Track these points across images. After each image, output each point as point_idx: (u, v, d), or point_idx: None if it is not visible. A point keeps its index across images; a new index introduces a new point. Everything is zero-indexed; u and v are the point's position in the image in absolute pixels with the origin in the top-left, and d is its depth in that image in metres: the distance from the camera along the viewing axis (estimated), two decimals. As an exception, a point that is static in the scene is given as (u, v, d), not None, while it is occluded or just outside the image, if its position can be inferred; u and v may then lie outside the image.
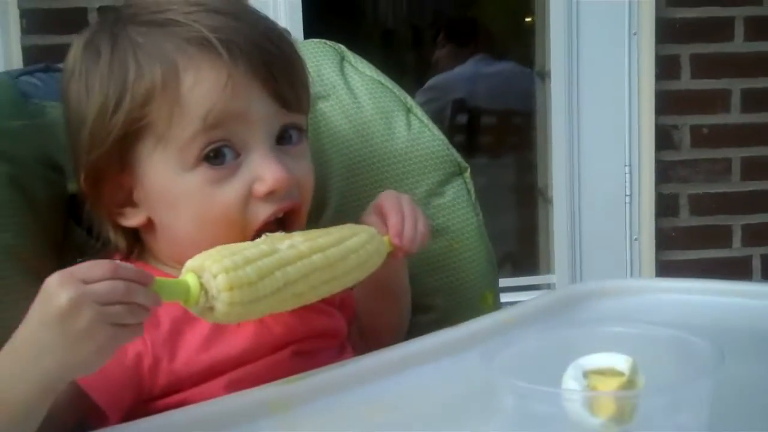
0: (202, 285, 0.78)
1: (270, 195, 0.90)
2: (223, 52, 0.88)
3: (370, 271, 0.94)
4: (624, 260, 2.61)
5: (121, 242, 0.95)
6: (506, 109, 3.79)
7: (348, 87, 1.18)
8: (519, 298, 1.13)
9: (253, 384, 0.88)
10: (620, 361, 0.75)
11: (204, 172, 0.89)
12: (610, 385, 0.74)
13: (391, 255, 0.98)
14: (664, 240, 2.63)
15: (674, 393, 0.74)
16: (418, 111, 1.19)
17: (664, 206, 2.62)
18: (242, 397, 0.83)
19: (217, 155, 0.89)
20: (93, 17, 2.39)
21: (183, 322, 0.90)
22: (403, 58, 4.39)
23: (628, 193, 2.59)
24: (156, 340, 0.88)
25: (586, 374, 0.75)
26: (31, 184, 0.96)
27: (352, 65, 1.20)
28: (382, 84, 1.19)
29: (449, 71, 3.85)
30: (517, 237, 3.42)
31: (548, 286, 2.64)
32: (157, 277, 0.76)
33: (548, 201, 2.83)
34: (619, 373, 0.75)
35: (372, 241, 0.93)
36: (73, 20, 2.37)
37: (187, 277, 0.79)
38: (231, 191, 0.89)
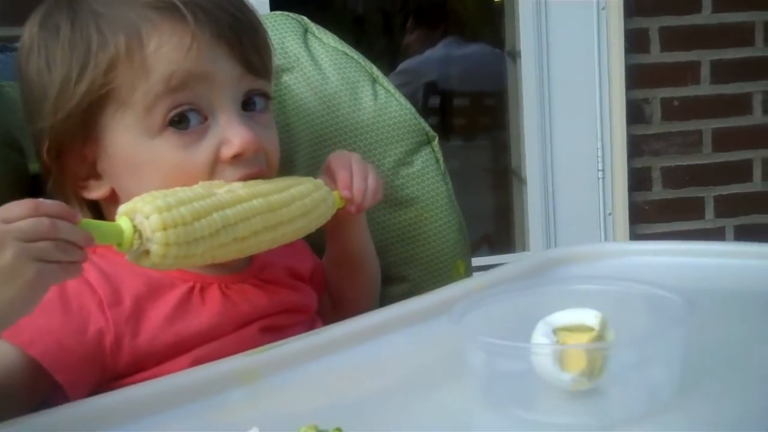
0: (135, 227, 0.77)
1: (237, 158, 0.90)
2: (188, 14, 0.88)
3: (319, 222, 0.94)
4: (598, 235, 2.62)
5: (87, 216, 0.93)
6: (478, 90, 3.79)
7: (312, 59, 1.17)
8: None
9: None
10: (589, 317, 0.75)
11: (169, 137, 0.88)
12: (580, 340, 0.74)
13: (344, 210, 0.98)
14: (638, 213, 2.64)
15: (644, 345, 0.74)
16: (384, 81, 1.18)
17: (637, 180, 2.63)
18: (211, 368, 0.82)
19: (182, 120, 0.89)
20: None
21: (146, 299, 0.89)
22: (374, 44, 4.37)
23: (600, 168, 2.59)
24: (118, 317, 0.87)
25: (556, 331, 0.75)
26: (-8, 163, 0.94)
27: (315, 36, 1.19)
28: (347, 54, 1.18)
29: (420, 55, 3.85)
30: (493, 217, 3.43)
31: (524, 264, 2.64)
32: (86, 219, 0.75)
33: (522, 181, 2.83)
34: (589, 329, 0.75)
35: (318, 190, 0.93)
36: (31, 11, 2.34)
37: (120, 220, 0.78)
38: (198, 155, 0.89)
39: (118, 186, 0.92)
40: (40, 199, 0.72)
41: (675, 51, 2.60)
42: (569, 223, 2.61)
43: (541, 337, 0.74)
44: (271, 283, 0.98)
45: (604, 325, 0.75)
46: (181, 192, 0.82)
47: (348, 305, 1.06)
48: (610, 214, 2.61)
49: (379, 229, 1.14)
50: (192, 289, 0.92)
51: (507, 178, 3.21)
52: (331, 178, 0.99)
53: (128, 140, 0.89)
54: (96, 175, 0.93)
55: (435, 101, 3.71)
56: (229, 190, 0.85)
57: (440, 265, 1.16)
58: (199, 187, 0.84)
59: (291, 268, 1.03)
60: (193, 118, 0.89)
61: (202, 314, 0.91)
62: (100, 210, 0.95)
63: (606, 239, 2.61)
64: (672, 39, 2.59)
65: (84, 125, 0.89)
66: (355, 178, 0.99)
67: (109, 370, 0.87)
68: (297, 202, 0.89)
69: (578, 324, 0.75)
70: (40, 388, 0.83)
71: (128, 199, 0.89)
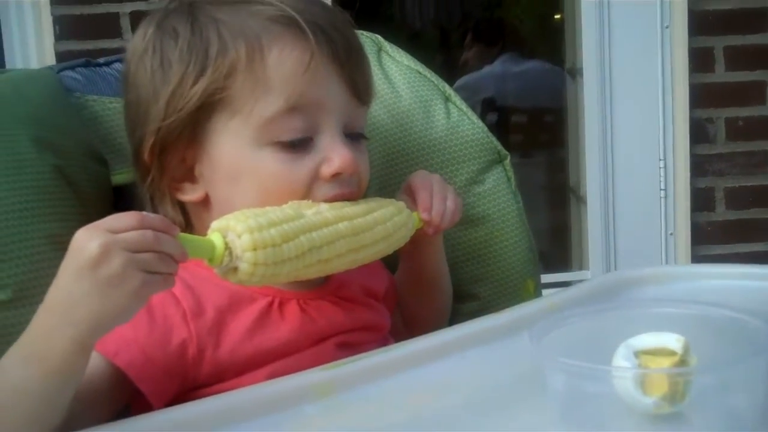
0: (226, 244, 0.79)
1: (335, 177, 0.92)
2: (309, 32, 0.90)
3: (399, 244, 0.95)
4: (659, 255, 2.58)
5: (178, 218, 0.95)
6: (536, 107, 3.78)
7: (386, 77, 1.18)
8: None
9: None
10: (672, 341, 0.75)
11: (275, 150, 0.91)
12: (662, 364, 0.73)
13: (422, 231, 0.99)
14: (700, 234, 2.60)
15: (728, 372, 0.73)
16: (456, 99, 1.18)
17: (700, 200, 2.59)
18: (287, 382, 0.83)
19: (291, 136, 0.91)
20: (125, 22, 2.41)
21: (227, 311, 0.90)
22: (431, 60, 4.38)
23: (663, 187, 2.56)
24: (201, 328, 0.89)
25: (637, 354, 0.74)
26: (76, 174, 0.96)
27: (389, 55, 1.20)
28: (420, 73, 1.19)
29: (478, 71, 3.85)
30: (549, 235, 3.40)
31: (585, 283, 2.61)
32: (182, 234, 0.77)
33: (580, 199, 2.81)
34: (671, 353, 0.74)
35: (400, 213, 0.94)
36: (104, 26, 2.40)
37: (213, 236, 0.80)
38: (299, 171, 0.91)
39: (213, 192, 0.94)
40: (144, 213, 0.75)
41: (740, 70, 2.56)
42: (629, 243, 2.58)
43: (622, 360, 0.74)
44: (348, 300, 0.99)
45: (686, 349, 0.74)
46: (272, 212, 0.83)
47: (420, 323, 1.07)
48: (671, 234, 2.57)
49: (450, 247, 1.14)
50: (271, 303, 0.93)
51: (564, 195, 3.19)
52: (411, 198, 1.00)
53: (233, 147, 0.91)
54: (192, 179, 0.94)
55: (492, 118, 3.70)
56: (317, 212, 0.87)
57: (511, 283, 1.15)
58: (289, 208, 0.86)
59: (366, 286, 1.03)
60: (301, 135, 0.91)
61: (281, 329, 0.92)
62: (187, 213, 0.97)
63: (667, 260, 2.57)
64: (737, 58, 2.56)
65: (191, 127, 0.91)
66: (435, 199, 0.99)
67: (191, 380, 0.88)
68: (379, 226, 0.90)
69: (661, 347, 0.74)
70: (123, 395, 0.85)
71: (222, 205, 0.92)
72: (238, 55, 0.89)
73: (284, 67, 0.89)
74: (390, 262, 1.11)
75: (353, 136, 0.95)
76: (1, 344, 0.83)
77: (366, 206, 0.92)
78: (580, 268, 2.82)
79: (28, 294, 0.87)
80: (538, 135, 3.83)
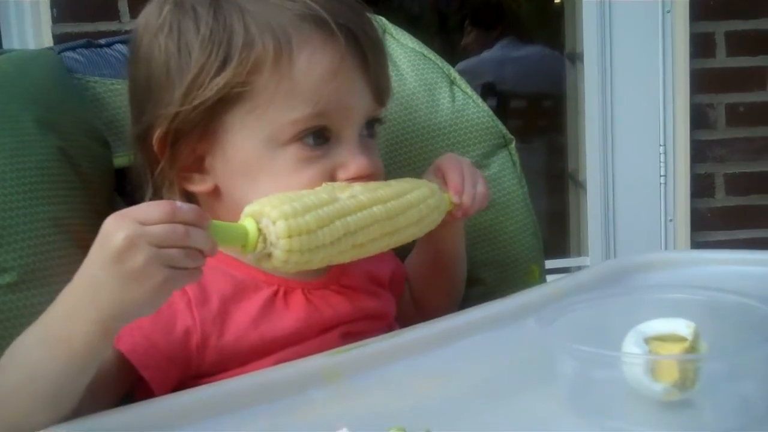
0: (260, 230, 0.78)
1: (350, 181, 0.90)
2: (340, 35, 0.88)
3: (430, 227, 0.93)
4: (659, 241, 2.57)
5: None
6: (535, 92, 3.76)
7: (390, 60, 1.16)
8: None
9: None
10: (682, 327, 0.74)
11: (295, 151, 0.89)
12: (673, 350, 0.73)
13: (451, 214, 0.97)
14: (700, 221, 2.59)
15: (738, 358, 0.73)
16: (461, 83, 1.17)
17: (700, 187, 2.58)
18: (294, 367, 0.82)
19: (311, 138, 0.89)
20: (123, 5, 2.39)
21: (231, 300, 0.90)
22: (429, 44, 4.35)
23: (662, 173, 2.55)
24: (205, 316, 0.88)
25: (647, 340, 0.74)
26: (79, 156, 0.95)
27: (393, 37, 1.19)
28: (425, 56, 1.18)
29: (477, 56, 3.84)
30: (548, 221, 3.39)
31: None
32: (214, 221, 0.75)
33: (579, 184, 2.80)
34: (681, 339, 0.74)
35: (433, 195, 0.92)
36: (103, 8, 2.38)
37: (246, 221, 0.78)
38: (315, 172, 0.89)
39: (224, 185, 0.92)
40: (177, 204, 0.72)
41: (741, 56, 2.55)
42: (629, 229, 2.57)
43: (632, 346, 0.73)
44: (352, 289, 0.98)
45: (696, 335, 0.74)
46: (307, 197, 0.82)
47: (432, 309, 1.05)
48: (671, 220, 2.57)
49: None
50: (276, 292, 0.92)
51: (563, 181, 3.18)
52: (441, 179, 0.99)
53: (251, 144, 0.89)
54: (201, 169, 0.92)
55: (492, 103, 3.68)
56: (352, 195, 0.85)
57: (516, 268, 1.15)
58: (323, 191, 0.84)
59: (370, 272, 1.02)
60: (321, 138, 0.90)
61: (286, 318, 0.91)
62: (194, 202, 0.94)
63: (666, 246, 2.57)
64: (738, 43, 2.54)
65: (207, 119, 0.88)
66: (467, 183, 0.98)
67: (194, 368, 0.88)
68: (413, 209, 0.89)
69: (671, 334, 0.74)
70: (127, 379, 0.85)
71: (235, 199, 0.90)
72: (265, 51, 0.86)
73: (313, 72, 0.87)
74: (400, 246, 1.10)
75: (370, 135, 0.94)
76: (7, 327, 0.83)
77: (399, 188, 0.90)
78: (579, 254, 2.81)
79: (33, 277, 0.86)
80: (537, 120, 3.81)
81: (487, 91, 3.66)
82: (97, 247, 0.72)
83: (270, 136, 0.88)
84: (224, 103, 0.87)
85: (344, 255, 0.84)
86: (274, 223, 0.78)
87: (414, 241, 1.12)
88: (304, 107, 0.87)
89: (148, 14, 0.92)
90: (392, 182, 0.91)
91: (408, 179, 0.94)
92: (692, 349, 0.73)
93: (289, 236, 0.77)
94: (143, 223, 0.70)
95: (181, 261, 0.71)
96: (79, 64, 1.05)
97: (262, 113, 0.88)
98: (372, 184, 0.88)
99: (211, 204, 0.94)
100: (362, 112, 0.92)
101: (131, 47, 0.95)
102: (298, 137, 0.88)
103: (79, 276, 0.73)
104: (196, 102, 0.87)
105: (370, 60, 0.91)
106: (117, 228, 0.70)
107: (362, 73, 0.91)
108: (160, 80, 0.89)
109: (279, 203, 0.79)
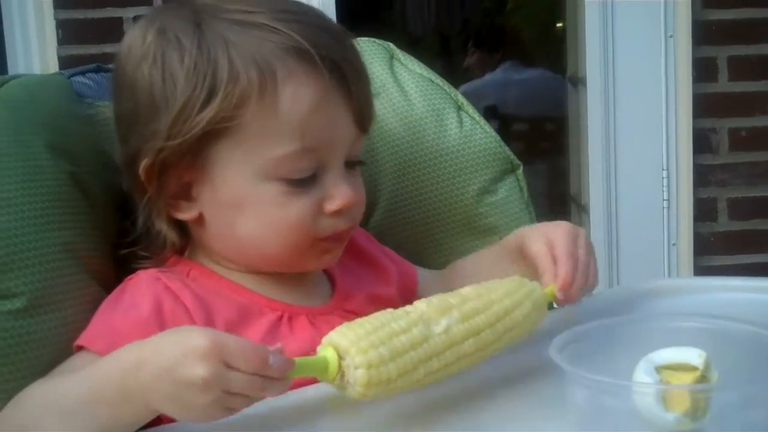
0: (340, 366, 0.75)
1: (337, 213, 0.91)
2: (324, 68, 0.88)
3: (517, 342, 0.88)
4: (662, 266, 2.57)
5: (172, 235, 0.93)
6: (537, 115, 3.78)
7: (398, 85, 1.17)
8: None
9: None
10: (693, 356, 0.74)
11: (281, 185, 0.89)
12: (684, 380, 0.73)
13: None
14: (703, 245, 2.60)
15: (749, 388, 0.73)
16: (469, 108, 1.18)
17: (703, 211, 2.59)
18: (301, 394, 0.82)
19: (299, 175, 0.89)
20: (128, 27, 2.40)
21: (237, 325, 0.89)
22: (430, 67, 4.38)
23: (665, 197, 2.56)
24: None
25: (658, 369, 0.74)
26: (89, 181, 0.95)
27: (401, 63, 1.20)
28: (433, 81, 1.18)
29: (479, 78, 3.86)
30: (551, 244, 3.40)
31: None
32: (297, 359, 0.74)
33: (581, 207, 2.81)
34: (693, 368, 0.74)
35: (535, 311, 0.86)
36: (108, 30, 2.39)
37: (327, 354, 0.76)
38: (302, 205, 0.90)
39: (211, 215, 0.92)
40: (273, 353, 0.72)
41: (743, 80, 2.56)
42: (632, 253, 2.57)
43: (643, 375, 0.73)
44: (356, 314, 0.96)
45: (707, 365, 0.73)
46: (397, 338, 0.77)
47: None
48: (674, 244, 2.57)
49: (461, 257, 1.14)
50: (281, 317, 0.92)
51: (565, 204, 3.18)
52: (550, 259, 0.92)
53: (237, 177, 0.89)
54: (189, 197, 0.92)
55: (494, 125, 3.69)
56: (446, 329, 0.80)
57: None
58: (418, 324, 0.79)
59: (374, 294, 1.02)
60: (307, 173, 0.90)
61: (291, 343, 0.90)
62: (184, 227, 0.95)
63: (669, 270, 2.57)
64: (740, 68, 2.56)
65: (194, 151, 0.88)
66: (578, 276, 0.91)
67: (202, 394, 0.87)
68: (506, 335, 0.84)
69: (682, 363, 0.74)
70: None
71: (220, 230, 0.92)
72: (250, 85, 0.86)
73: (298, 106, 0.87)
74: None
75: (351, 164, 0.94)
76: (17, 352, 0.84)
77: (501, 307, 0.84)
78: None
79: (42, 302, 0.86)
80: (538, 143, 3.83)
81: (489, 113, 3.68)
82: (176, 352, 0.71)
83: (257, 170, 0.88)
84: (212, 135, 0.87)
85: (417, 386, 0.80)
86: (355, 368, 0.75)
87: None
88: (289, 143, 0.87)
89: (131, 41, 0.92)
90: (495, 294, 0.85)
91: (517, 282, 0.87)
92: (703, 378, 0.73)
93: (368, 385, 0.75)
94: (229, 366, 0.70)
95: (241, 406, 0.72)
96: (88, 88, 1.06)
97: (249, 147, 0.88)
98: (471, 304, 0.83)
99: (198, 232, 0.94)
100: (346, 142, 0.92)
101: (115, 73, 0.94)
102: (285, 172, 0.89)
103: (154, 355, 0.73)
104: (182, 135, 0.87)
105: (353, 89, 0.91)
106: (202, 362, 0.70)
107: (346, 103, 0.91)
108: (145, 110, 0.89)
109: (367, 346, 0.75)
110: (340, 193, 0.90)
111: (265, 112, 0.86)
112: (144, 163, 0.89)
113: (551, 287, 0.90)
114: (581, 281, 0.91)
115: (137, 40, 0.91)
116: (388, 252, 1.10)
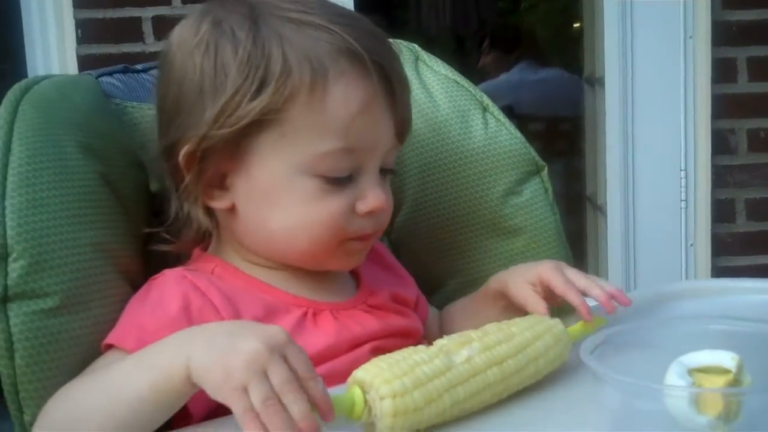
0: (366, 401, 0.76)
1: (368, 214, 0.92)
2: (374, 72, 0.89)
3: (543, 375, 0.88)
4: (679, 266, 2.56)
5: (206, 222, 0.94)
6: (553, 115, 3.77)
7: (423, 86, 1.17)
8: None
9: (335, 380, 0.88)
10: (726, 359, 0.74)
11: (319, 182, 0.90)
12: (717, 383, 0.73)
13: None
14: (720, 246, 2.59)
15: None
16: (494, 110, 1.18)
17: (721, 212, 2.58)
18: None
19: (338, 174, 0.91)
20: (147, 26, 2.42)
21: (264, 321, 0.89)
22: (446, 66, 4.37)
23: (683, 198, 2.55)
24: None
25: (691, 372, 0.74)
26: (119, 181, 0.96)
27: (427, 64, 1.20)
28: (458, 83, 1.18)
29: (495, 78, 3.85)
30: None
31: (603, 293, 2.60)
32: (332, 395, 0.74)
33: (598, 208, 2.80)
34: (725, 371, 0.73)
35: (557, 344, 0.87)
36: (127, 30, 2.41)
37: (354, 392, 0.76)
38: (337, 203, 0.91)
39: (243, 205, 0.93)
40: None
41: (763, 81, 2.55)
42: (649, 253, 2.57)
43: (676, 377, 0.73)
44: (379, 308, 0.99)
45: (740, 367, 0.73)
46: (420, 368, 0.77)
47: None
48: (692, 245, 2.56)
49: (486, 258, 1.14)
50: (305, 313, 0.93)
51: (581, 204, 3.18)
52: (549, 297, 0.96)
53: (277, 169, 0.89)
54: (223, 186, 0.93)
55: (510, 125, 3.69)
56: (468, 359, 0.80)
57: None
58: (439, 355, 0.80)
59: (397, 294, 1.04)
60: (346, 172, 0.91)
61: (316, 336, 0.92)
62: (213, 217, 0.96)
63: (687, 270, 2.56)
64: (760, 69, 2.54)
65: (237, 140, 0.89)
66: (593, 290, 0.94)
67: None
68: (531, 366, 0.84)
69: (714, 365, 0.74)
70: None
71: (251, 221, 0.92)
72: (302, 81, 0.87)
73: (347, 107, 0.88)
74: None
75: (383, 171, 0.95)
76: (49, 351, 0.84)
77: (521, 339, 0.85)
78: (597, 276, 2.80)
79: (75, 301, 0.87)
80: (554, 143, 3.82)
81: (505, 114, 3.67)
82: (247, 325, 0.78)
83: (297, 164, 0.89)
84: (256, 126, 0.88)
85: (444, 417, 0.80)
86: (381, 399, 0.75)
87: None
88: (333, 141, 0.88)
89: (184, 31, 0.93)
90: (516, 328, 0.86)
91: (535, 319, 0.89)
92: (736, 381, 0.73)
93: (394, 415, 0.75)
94: (283, 356, 0.72)
95: (266, 404, 0.70)
96: (116, 89, 1.06)
97: (292, 141, 0.88)
98: (492, 336, 0.83)
99: (229, 222, 0.95)
100: (385, 147, 0.93)
101: (162, 62, 0.95)
102: (324, 169, 0.89)
103: (208, 332, 0.77)
104: (229, 123, 0.87)
105: (398, 97, 0.93)
106: (264, 339, 0.72)
107: (390, 110, 0.92)
108: (192, 97, 0.90)
109: (391, 377, 0.76)
110: (373, 196, 0.92)
111: (313, 109, 0.87)
112: (186, 149, 0.90)
113: (579, 325, 0.91)
114: (600, 292, 0.94)
115: (190, 30, 0.92)
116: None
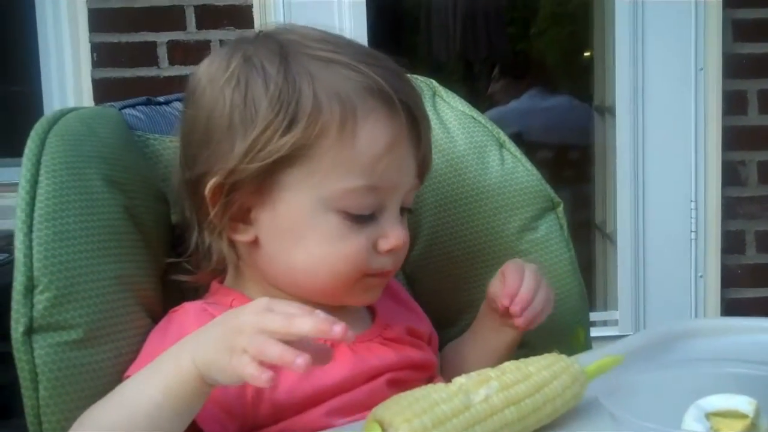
0: None
1: (388, 252, 0.93)
2: (402, 112, 0.91)
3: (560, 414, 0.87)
4: (689, 298, 2.57)
5: (231, 256, 0.96)
6: (562, 143, 3.77)
7: (441, 121, 1.19)
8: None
9: (352, 411, 0.89)
10: (744, 403, 0.74)
11: (342, 219, 0.91)
12: (734, 427, 0.73)
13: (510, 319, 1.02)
14: (730, 277, 2.59)
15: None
16: (511, 146, 1.19)
17: (731, 243, 2.58)
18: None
19: (361, 211, 0.92)
20: (162, 51, 2.44)
21: None
22: (456, 93, 4.39)
23: (693, 229, 2.55)
24: None
25: (708, 416, 0.74)
26: (142, 214, 0.97)
27: (444, 100, 1.21)
28: (475, 119, 1.20)
29: (504, 105, 3.86)
30: (574, 272, 3.39)
31: (614, 323, 2.60)
32: None
33: (607, 237, 2.80)
34: (743, 415, 0.74)
35: (574, 384, 0.86)
36: (142, 54, 2.43)
37: (373, 429, 0.76)
38: (359, 241, 0.92)
39: (265, 239, 0.93)
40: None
41: (773, 114, 2.57)
42: (659, 284, 2.57)
43: (693, 421, 0.74)
44: (395, 341, 1.00)
45: (758, 412, 0.74)
46: (440, 407, 0.77)
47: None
48: (701, 276, 2.56)
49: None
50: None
51: (589, 232, 3.18)
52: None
53: (302, 204, 0.90)
54: (246, 220, 0.93)
55: (519, 153, 3.69)
56: (486, 398, 0.80)
57: (561, 331, 1.15)
58: (458, 395, 0.80)
59: (412, 328, 1.05)
60: (369, 212, 0.92)
61: (335, 367, 0.92)
62: (235, 250, 0.97)
63: (696, 302, 2.56)
64: (770, 102, 2.56)
65: (265, 174, 0.89)
66: (523, 290, 0.99)
67: (249, 420, 0.89)
68: (548, 405, 0.84)
69: (732, 410, 0.74)
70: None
71: (274, 255, 0.93)
72: (332, 117, 0.88)
73: (375, 146, 0.89)
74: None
75: (402, 210, 0.96)
76: (72, 383, 0.85)
77: (539, 378, 0.85)
78: (606, 307, 2.80)
79: (99, 334, 0.88)
80: (563, 170, 3.82)
81: (513, 141, 3.67)
82: (223, 315, 0.81)
83: (321, 200, 0.90)
84: (286, 161, 0.89)
85: None
86: None
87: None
88: (359, 178, 0.90)
89: (213, 65, 0.94)
90: (533, 367, 0.86)
91: (554, 358, 0.88)
92: (753, 426, 0.73)
93: None
94: (271, 310, 0.76)
95: (272, 352, 0.74)
96: (139, 121, 1.07)
97: (319, 177, 0.89)
98: (510, 380, 0.83)
99: (251, 254, 0.95)
100: (407, 187, 0.95)
101: (189, 95, 0.96)
102: (348, 206, 0.91)
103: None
104: (259, 158, 0.88)
105: (423, 137, 0.95)
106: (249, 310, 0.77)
107: (414, 150, 0.94)
108: (221, 131, 0.90)
109: (411, 416, 0.76)
110: (394, 235, 0.93)
111: (342, 146, 0.89)
112: (213, 182, 0.91)
113: (595, 364, 0.91)
114: (526, 294, 0.99)
115: (221, 63, 0.93)
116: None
